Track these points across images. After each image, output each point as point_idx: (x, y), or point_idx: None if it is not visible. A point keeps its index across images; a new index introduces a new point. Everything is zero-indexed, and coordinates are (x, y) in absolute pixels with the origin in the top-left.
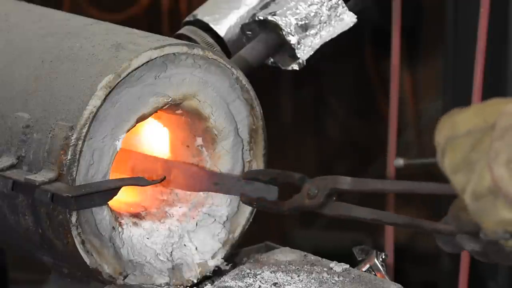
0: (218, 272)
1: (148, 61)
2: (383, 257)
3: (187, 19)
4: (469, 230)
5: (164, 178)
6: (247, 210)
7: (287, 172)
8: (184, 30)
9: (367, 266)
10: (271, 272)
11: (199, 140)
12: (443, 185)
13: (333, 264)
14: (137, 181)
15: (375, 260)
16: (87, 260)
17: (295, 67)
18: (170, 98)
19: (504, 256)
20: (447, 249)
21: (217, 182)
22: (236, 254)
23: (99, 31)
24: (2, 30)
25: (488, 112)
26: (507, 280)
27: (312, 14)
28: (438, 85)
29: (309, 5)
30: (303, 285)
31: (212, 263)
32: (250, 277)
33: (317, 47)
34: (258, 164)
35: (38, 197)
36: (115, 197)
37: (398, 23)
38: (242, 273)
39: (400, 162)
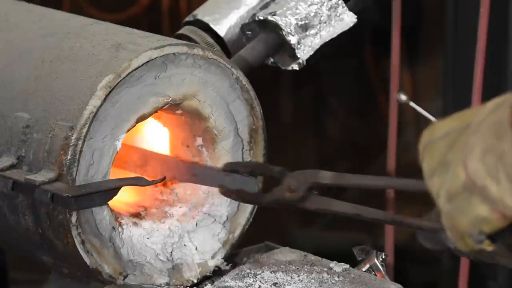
0: (218, 272)
1: (148, 61)
2: (383, 257)
3: (187, 19)
4: None
5: (164, 178)
6: (247, 210)
7: (267, 164)
8: (184, 30)
9: (367, 266)
10: (271, 272)
11: (199, 140)
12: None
13: (333, 264)
14: (137, 181)
15: (375, 260)
16: (87, 260)
17: (295, 67)
18: (170, 98)
19: (487, 256)
20: (428, 245)
21: (196, 173)
22: (236, 254)
23: (99, 31)
24: (2, 30)
25: (466, 115)
26: (507, 280)
27: (312, 14)
28: (438, 85)
29: (309, 5)
30: (303, 285)
31: (212, 263)
32: (250, 277)
33: (317, 47)
34: None
35: (38, 197)
36: (115, 197)
37: (398, 23)
38: (242, 273)
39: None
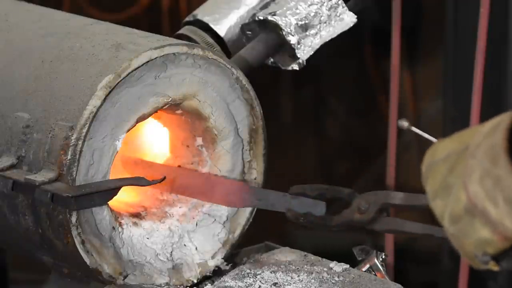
0: (218, 272)
1: (148, 61)
2: (383, 257)
3: (187, 19)
4: None
5: (164, 178)
6: (247, 210)
7: (336, 187)
8: (184, 30)
9: (367, 266)
10: (271, 272)
11: (199, 140)
12: None
13: (333, 264)
14: (137, 181)
15: (375, 260)
16: (87, 260)
17: (295, 67)
18: (170, 98)
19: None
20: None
21: (261, 198)
22: (236, 254)
23: (99, 31)
24: (2, 30)
25: (465, 136)
26: (507, 280)
27: (312, 14)
28: (438, 85)
29: (309, 5)
30: (303, 285)
31: (212, 263)
32: (250, 277)
33: (317, 47)
34: (258, 164)
35: (38, 197)
36: (115, 197)
37: (398, 23)
38: (242, 273)
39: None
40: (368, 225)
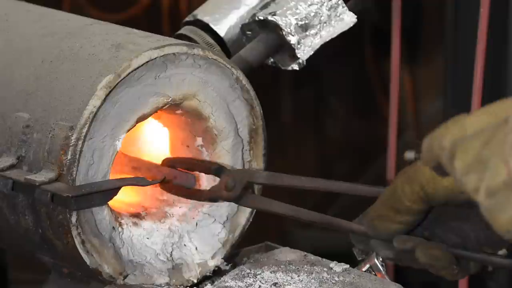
0: (218, 272)
1: (148, 61)
2: None
3: (187, 19)
4: (383, 238)
5: (164, 178)
6: (247, 210)
7: (204, 161)
8: (184, 30)
9: (367, 266)
10: (271, 272)
11: (199, 140)
12: (362, 186)
13: (333, 264)
14: (137, 181)
15: (375, 260)
16: (87, 260)
17: (295, 67)
18: (170, 98)
19: (417, 263)
20: (359, 247)
21: (135, 166)
22: (236, 254)
23: (99, 31)
24: (2, 30)
25: (499, 110)
26: (507, 280)
27: (312, 14)
28: (438, 85)
29: (309, 5)
30: (303, 285)
31: (212, 263)
32: (250, 277)
33: (317, 47)
34: (258, 164)
35: (38, 197)
36: (115, 197)
37: (398, 23)
38: (242, 273)
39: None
40: (235, 202)
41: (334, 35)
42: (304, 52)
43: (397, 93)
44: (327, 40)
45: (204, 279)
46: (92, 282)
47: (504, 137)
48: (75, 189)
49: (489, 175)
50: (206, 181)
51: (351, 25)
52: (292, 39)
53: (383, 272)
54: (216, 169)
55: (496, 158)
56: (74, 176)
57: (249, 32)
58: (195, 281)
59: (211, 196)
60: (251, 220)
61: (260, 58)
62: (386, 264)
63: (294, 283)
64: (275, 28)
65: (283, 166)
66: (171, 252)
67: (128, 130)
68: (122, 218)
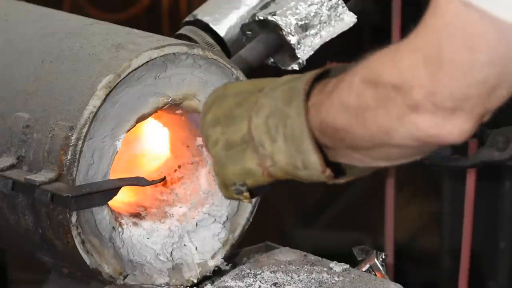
0: (218, 272)
1: (148, 61)
2: (383, 257)
3: (187, 19)
4: None
5: (164, 178)
6: (247, 210)
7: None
8: (184, 30)
9: (367, 266)
10: (271, 272)
11: (199, 140)
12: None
13: (333, 264)
14: (137, 181)
15: (375, 260)
16: (87, 260)
17: (295, 67)
18: (170, 98)
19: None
20: None
21: None
22: (236, 254)
23: (99, 31)
24: (2, 30)
25: (259, 82)
26: (507, 280)
27: (312, 14)
28: None
29: (309, 5)
30: (303, 285)
31: (212, 263)
32: (250, 277)
33: (317, 47)
34: None
35: (38, 197)
36: (115, 197)
37: (398, 23)
38: (242, 273)
39: None
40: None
41: (334, 35)
42: (304, 52)
43: None
44: (327, 40)
45: (204, 279)
46: (92, 282)
47: (255, 100)
48: (75, 189)
49: (232, 129)
50: (206, 181)
51: (351, 25)
52: (292, 39)
53: (383, 272)
54: (481, 131)
55: (243, 117)
56: (74, 176)
57: (249, 32)
58: (195, 281)
59: (480, 160)
60: (251, 220)
61: (260, 58)
62: (386, 264)
63: (294, 283)
64: (275, 28)
65: None
66: (171, 252)
67: (128, 130)
68: (122, 218)
